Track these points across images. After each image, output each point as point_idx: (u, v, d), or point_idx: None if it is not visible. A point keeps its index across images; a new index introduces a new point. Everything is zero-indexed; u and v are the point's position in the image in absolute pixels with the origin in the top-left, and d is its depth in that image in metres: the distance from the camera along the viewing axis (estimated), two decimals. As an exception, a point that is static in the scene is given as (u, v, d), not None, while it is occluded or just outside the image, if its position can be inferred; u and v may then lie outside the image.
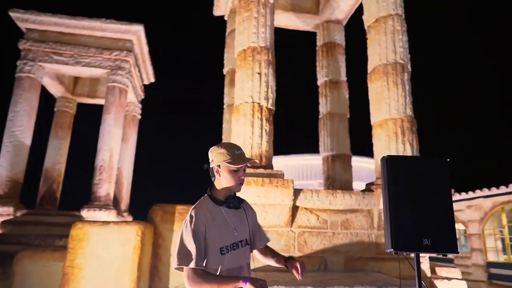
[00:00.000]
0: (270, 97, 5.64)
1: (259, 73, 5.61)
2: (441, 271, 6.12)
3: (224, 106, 8.05)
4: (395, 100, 5.81)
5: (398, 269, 5.39)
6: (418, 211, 2.44)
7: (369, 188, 5.63)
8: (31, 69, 9.94)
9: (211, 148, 1.99)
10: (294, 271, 1.91)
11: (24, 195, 9.86)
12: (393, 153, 5.66)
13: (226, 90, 8.09)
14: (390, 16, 6.16)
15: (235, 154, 1.91)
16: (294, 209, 5.30)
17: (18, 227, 8.77)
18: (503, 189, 10.11)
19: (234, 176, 1.91)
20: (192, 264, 1.72)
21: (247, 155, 5.34)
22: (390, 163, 2.53)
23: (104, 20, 10.37)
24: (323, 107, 8.37)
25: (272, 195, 5.02)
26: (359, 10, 8.32)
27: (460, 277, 5.96)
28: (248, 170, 5.10)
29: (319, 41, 8.78)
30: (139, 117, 13.27)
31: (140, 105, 13.33)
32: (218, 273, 1.80)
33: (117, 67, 10.72)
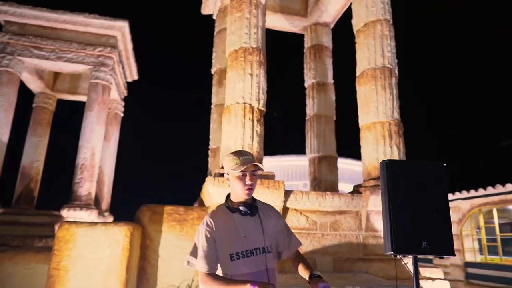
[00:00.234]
0: (262, 98, 5.64)
1: (251, 74, 5.61)
2: (424, 271, 6.30)
3: (212, 106, 8.00)
4: (383, 103, 5.93)
5: (384, 270, 5.52)
6: (417, 215, 2.49)
7: (357, 190, 5.72)
8: (10, 63, 9.58)
9: (225, 158, 2.01)
10: None
11: (-1, 194, 9.52)
12: (381, 155, 5.77)
13: (214, 89, 8.04)
14: (379, 21, 6.28)
15: (240, 159, 1.90)
16: (284, 210, 5.33)
17: (-6, 227, 8.45)
18: (481, 191, 10.49)
19: (240, 182, 1.90)
20: (203, 268, 1.82)
21: (238, 156, 5.34)
22: (390, 167, 2.57)
23: (88, 15, 10.10)
24: (310, 108, 8.45)
25: (263, 196, 5.02)
26: (346, 14, 8.46)
27: (443, 277, 6.15)
28: (240, 171, 5.09)
29: (307, 43, 8.86)
30: (122, 115, 13.01)
31: (122, 103, 13.07)
32: (229, 277, 1.83)
33: (101, 63, 10.48)
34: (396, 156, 5.74)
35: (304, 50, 8.91)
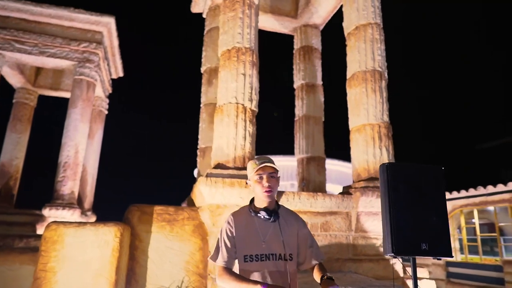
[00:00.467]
0: (254, 99, 5.64)
1: (244, 74, 5.59)
2: (410, 270, 6.42)
3: (201, 105, 7.93)
4: (373, 106, 6.02)
5: (373, 270, 5.60)
6: (416, 217, 2.54)
7: (347, 191, 5.78)
8: (-10, 57, 9.26)
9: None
10: None
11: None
12: (371, 157, 5.86)
13: (203, 89, 7.98)
14: (369, 24, 6.37)
15: (258, 163, 1.97)
16: (276, 211, 5.33)
17: (-28, 226, 8.15)
18: (463, 193, 10.80)
19: (259, 184, 1.95)
20: (221, 263, 1.92)
21: (230, 157, 5.32)
22: (391, 170, 2.61)
23: (73, 9, 9.86)
24: (299, 109, 8.50)
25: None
26: (335, 17, 8.55)
27: (428, 277, 6.29)
28: (232, 172, 5.07)
29: (296, 45, 8.90)
30: (106, 112, 12.76)
31: (107, 100, 12.82)
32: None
33: (85, 59, 10.24)
34: (385, 158, 5.84)
35: (294, 51, 8.96)
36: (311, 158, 8.05)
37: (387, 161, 5.83)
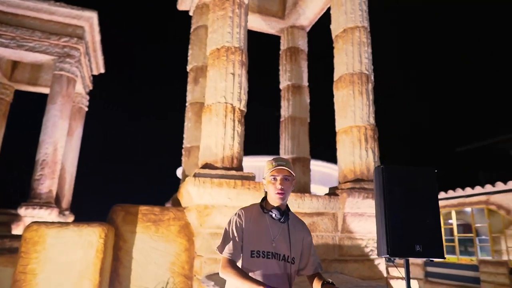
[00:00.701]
0: (243, 99, 5.60)
1: (233, 74, 5.55)
2: (393, 271, 6.54)
3: (187, 104, 7.82)
4: (360, 108, 6.09)
5: (359, 270, 5.67)
6: (410, 219, 2.56)
7: (333, 192, 5.82)
8: (-36, 50, 8.86)
9: None
10: None
11: None
12: (357, 159, 5.93)
13: (189, 87, 7.87)
14: (357, 28, 6.44)
15: (274, 164, 1.98)
16: (264, 211, 5.32)
17: None
18: (442, 194, 11.09)
19: (272, 186, 1.97)
20: (226, 254, 1.90)
21: (218, 156, 5.27)
22: (386, 172, 2.64)
23: (53, 2, 9.55)
24: (285, 110, 8.52)
25: (244, 198, 4.99)
26: (321, 19, 8.62)
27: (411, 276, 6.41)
28: (221, 172, 5.03)
29: (283, 45, 8.92)
30: (86, 109, 12.42)
31: (87, 97, 12.48)
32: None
33: (66, 54, 9.94)
34: (371, 160, 5.91)
35: (280, 52, 8.97)
36: (297, 158, 8.09)
37: (373, 163, 5.93)
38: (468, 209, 11.59)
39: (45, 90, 11.14)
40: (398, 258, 2.59)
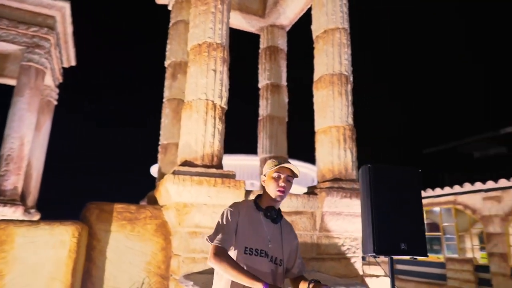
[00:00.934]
0: (224, 96, 5.53)
1: (214, 70, 5.46)
2: (367, 269, 6.68)
3: (164, 100, 7.64)
4: (339, 109, 6.16)
5: (335, 268, 5.74)
6: (396, 217, 2.61)
7: (312, 191, 5.86)
8: None
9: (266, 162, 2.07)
10: None
11: None
12: (335, 158, 5.99)
13: (167, 83, 7.69)
14: (338, 29, 6.51)
15: (279, 162, 1.97)
16: (243, 210, 5.28)
17: None
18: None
19: (275, 182, 1.95)
20: (216, 242, 1.79)
21: (198, 154, 5.17)
22: (373, 171, 2.67)
23: (22, -10, 9.09)
24: (264, 109, 8.51)
25: (224, 196, 4.92)
26: (302, 19, 8.67)
27: (383, 274, 6.58)
28: (201, 170, 4.94)
29: (263, 44, 8.90)
30: (55, 103, 11.92)
31: (57, 90, 11.98)
32: None
33: (35, 44, 9.50)
34: (349, 160, 6.00)
35: (260, 51, 8.95)
36: (274, 158, 8.08)
37: (351, 163, 6.02)
38: (437, 208, 12.06)
39: (11, 82, 10.58)
40: (384, 256, 2.64)
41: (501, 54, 33.84)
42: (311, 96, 6.75)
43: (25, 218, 8.84)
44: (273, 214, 1.95)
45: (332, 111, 6.17)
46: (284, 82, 8.65)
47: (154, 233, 5.43)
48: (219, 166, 5.28)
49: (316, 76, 6.62)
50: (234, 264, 1.72)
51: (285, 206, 5.45)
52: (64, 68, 12.35)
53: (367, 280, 5.87)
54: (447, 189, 11.34)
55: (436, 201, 11.03)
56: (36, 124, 9.94)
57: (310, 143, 6.90)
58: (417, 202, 2.74)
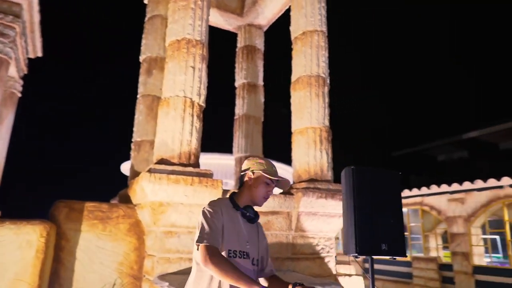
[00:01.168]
0: (202, 94, 5.45)
1: (193, 67, 5.37)
2: (340, 268, 6.80)
3: (138, 96, 7.43)
4: (316, 110, 6.23)
5: (310, 268, 5.80)
6: (377, 218, 2.67)
7: (289, 192, 5.89)
8: None
9: (250, 158, 2.03)
10: None
11: None
12: (312, 159, 6.06)
13: (141, 79, 7.48)
14: (316, 31, 6.59)
15: (273, 169, 1.94)
16: (220, 210, 5.22)
17: None
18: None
19: (265, 188, 1.92)
20: (209, 242, 1.68)
21: (175, 152, 5.08)
22: (356, 173, 2.71)
23: (-14, -27, 8.54)
24: (240, 108, 8.48)
25: (201, 195, 4.85)
26: (279, 20, 8.71)
27: (355, 273, 6.72)
28: (177, 168, 4.84)
29: (240, 43, 8.87)
30: (19, 95, 11.30)
31: (21, 81, 11.35)
32: None
33: (-1, 33, 8.95)
34: (325, 161, 6.08)
35: (237, 50, 8.91)
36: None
37: (326, 164, 6.11)
38: (405, 209, 12.49)
39: (-30, 71, 9.92)
40: (365, 256, 2.69)
41: (468, 61, 35.58)
42: (287, 96, 6.81)
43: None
44: (252, 214, 1.91)
45: (309, 112, 6.23)
46: (260, 82, 8.66)
47: (127, 232, 5.28)
48: (196, 164, 5.20)
49: (294, 77, 6.66)
50: (232, 266, 1.62)
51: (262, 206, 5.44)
52: (29, 59, 11.74)
53: (340, 279, 5.98)
54: (415, 191, 11.79)
55: (404, 202, 11.42)
56: (-2, 117, 9.39)
57: (285, 144, 6.95)
58: (397, 203, 2.81)
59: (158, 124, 5.33)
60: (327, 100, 6.42)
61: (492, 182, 9.67)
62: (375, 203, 2.71)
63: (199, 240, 1.70)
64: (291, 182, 6.51)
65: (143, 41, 7.69)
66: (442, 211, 10.97)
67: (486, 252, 10.71)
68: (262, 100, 8.65)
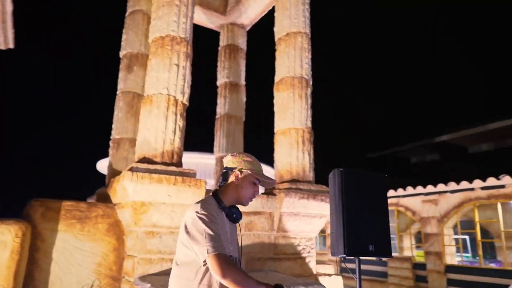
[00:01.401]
0: (186, 92, 5.38)
1: (177, 65, 5.30)
2: (319, 268, 6.88)
3: (118, 93, 7.24)
4: (299, 111, 6.28)
5: (291, 268, 5.84)
6: (365, 220, 2.71)
7: (271, 192, 5.91)
8: None
9: (235, 153, 1.92)
10: None
11: None
12: (294, 160, 6.11)
13: (121, 75, 7.29)
14: (299, 33, 6.64)
15: (260, 167, 1.89)
16: (202, 210, 5.17)
17: None
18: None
19: (253, 188, 1.86)
20: (216, 250, 1.57)
21: (158, 151, 5.00)
22: (344, 175, 2.74)
23: (-45, -41, 8.11)
24: (221, 107, 8.43)
25: (184, 195, 4.79)
26: (262, 21, 8.72)
27: (334, 273, 6.82)
28: (160, 168, 4.75)
29: (222, 42, 8.82)
30: (-11, 88, 10.81)
31: (-9, 74, 10.87)
32: None
33: (-32, 22, 8.52)
34: (307, 162, 6.14)
35: (219, 48, 8.85)
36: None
37: (308, 165, 6.17)
38: (381, 210, 12.73)
39: None
40: (353, 257, 2.73)
41: (442, 65, 36.79)
42: (269, 97, 6.83)
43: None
44: (238, 215, 1.82)
45: (292, 113, 6.27)
46: (243, 82, 8.65)
47: (106, 232, 5.14)
48: (179, 164, 5.13)
49: (277, 78, 6.69)
50: (242, 272, 1.57)
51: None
52: (0, 51, 11.24)
53: (320, 279, 6.05)
54: (391, 192, 12.09)
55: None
56: (-35, 111, 8.94)
57: (266, 144, 6.97)
58: (383, 205, 2.86)
59: (140, 122, 5.22)
60: (309, 101, 6.49)
61: (464, 184, 10.05)
62: (362, 204, 2.75)
63: (211, 250, 1.56)
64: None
65: (124, 36, 7.51)
66: (416, 212, 11.31)
67: (458, 251, 11.11)
68: (244, 99, 8.64)
